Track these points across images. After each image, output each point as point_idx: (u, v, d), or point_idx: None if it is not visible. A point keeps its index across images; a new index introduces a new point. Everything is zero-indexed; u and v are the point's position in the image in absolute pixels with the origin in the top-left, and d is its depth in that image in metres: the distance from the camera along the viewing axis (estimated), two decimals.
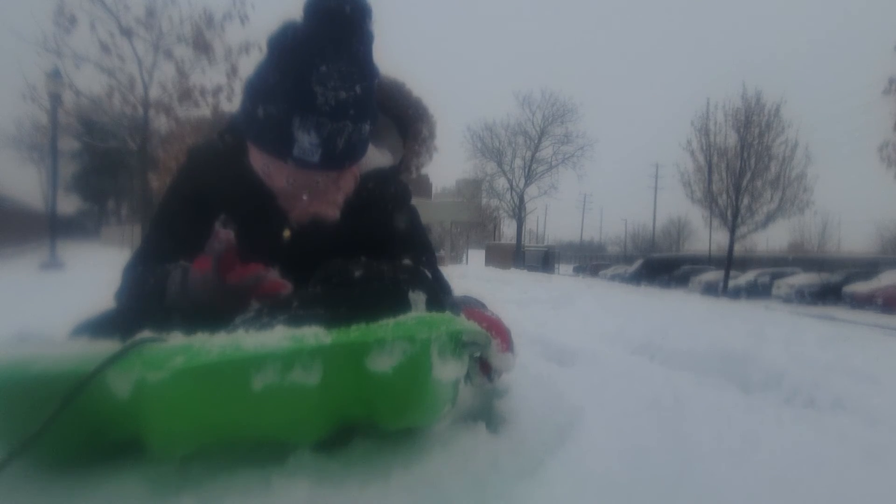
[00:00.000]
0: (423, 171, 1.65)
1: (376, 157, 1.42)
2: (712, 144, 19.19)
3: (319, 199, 1.28)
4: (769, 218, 18.55)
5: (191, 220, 1.31)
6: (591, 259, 62.83)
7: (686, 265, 35.58)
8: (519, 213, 34.18)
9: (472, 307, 1.37)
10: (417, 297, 1.06)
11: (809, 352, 3.34)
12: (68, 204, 35.76)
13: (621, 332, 3.69)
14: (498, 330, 1.23)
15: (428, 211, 34.75)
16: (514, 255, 32.20)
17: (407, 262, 1.22)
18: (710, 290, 26.57)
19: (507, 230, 40.97)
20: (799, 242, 49.24)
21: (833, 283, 23.27)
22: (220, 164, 1.33)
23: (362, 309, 0.98)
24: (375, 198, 1.35)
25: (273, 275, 1.14)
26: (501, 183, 34.78)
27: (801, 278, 25.33)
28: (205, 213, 1.30)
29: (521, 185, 34.20)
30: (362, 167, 1.36)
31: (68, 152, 29.81)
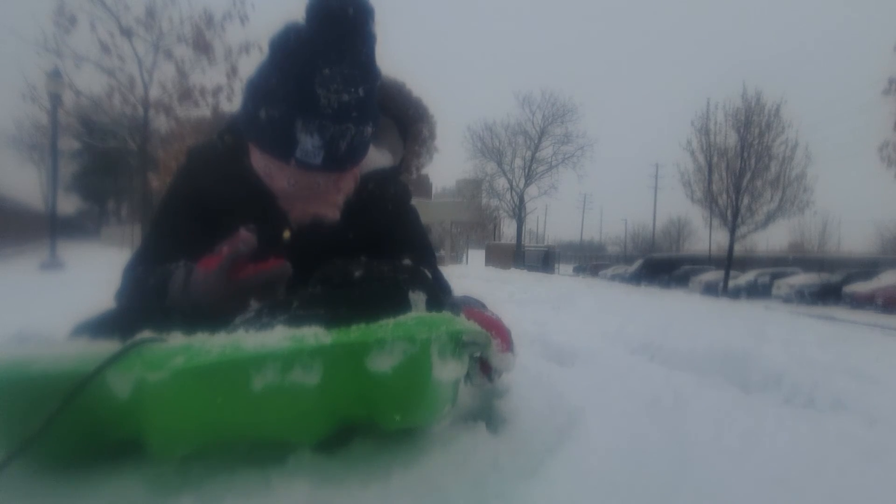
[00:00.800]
0: (424, 171, 1.65)
1: (376, 158, 1.42)
2: (712, 144, 19.15)
3: (320, 200, 1.29)
4: (769, 218, 18.49)
5: (190, 221, 1.32)
6: (591, 259, 62.84)
7: (686, 265, 35.66)
8: (519, 213, 34.14)
9: (471, 307, 1.37)
10: (417, 298, 1.06)
11: (809, 352, 3.33)
12: (68, 204, 35.77)
13: (621, 332, 3.69)
14: (498, 330, 1.23)
15: (428, 211, 34.71)
16: (515, 255, 32.18)
17: (407, 261, 1.22)
18: (710, 290, 26.61)
19: (507, 230, 40.98)
20: (799, 242, 49.21)
21: (833, 283, 23.33)
22: (219, 165, 1.33)
23: (362, 309, 0.98)
24: (376, 198, 1.36)
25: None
26: (501, 183, 34.75)
27: (801, 278, 25.38)
28: (204, 213, 1.30)
29: (521, 185, 34.17)
30: (363, 168, 1.36)
31: (68, 152, 29.81)
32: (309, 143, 1.16)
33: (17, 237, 21.45)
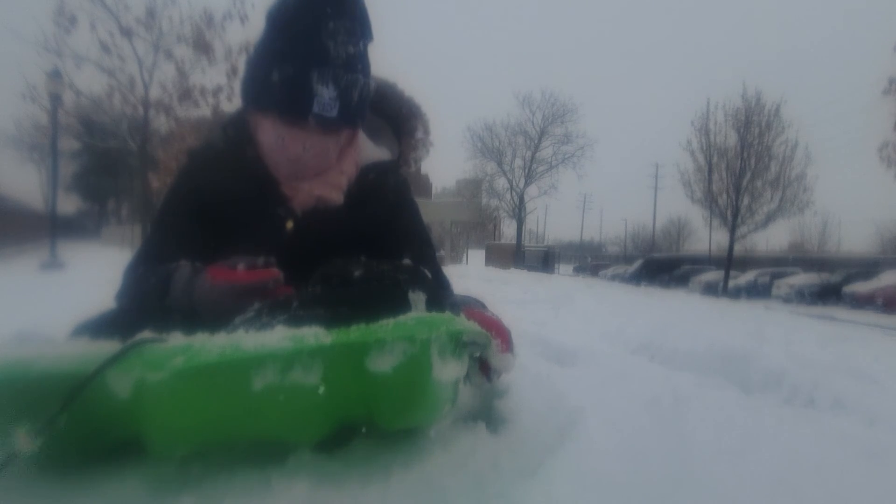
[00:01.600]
0: (422, 165, 1.67)
1: (375, 152, 1.44)
2: (712, 144, 19.11)
3: (324, 181, 1.31)
4: (769, 218, 18.43)
5: (191, 220, 1.33)
6: (591, 259, 62.82)
7: (686, 265, 35.67)
8: (519, 213, 34.08)
9: (471, 307, 1.37)
10: (417, 297, 1.06)
11: (809, 352, 3.33)
12: (69, 204, 35.76)
13: (621, 332, 3.69)
14: (498, 330, 1.23)
15: (428, 211, 34.64)
16: (515, 255, 32.12)
17: (407, 261, 1.22)
18: (710, 290, 26.64)
19: (508, 230, 40.98)
20: (799, 242, 49.12)
21: (833, 283, 23.33)
22: (220, 162, 1.35)
23: (362, 309, 0.98)
24: (376, 189, 1.37)
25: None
26: (501, 183, 34.67)
27: (801, 278, 25.39)
28: (206, 209, 1.31)
29: (521, 185, 34.10)
30: (362, 160, 1.38)
31: (68, 152, 29.80)
32: (326, 95, 1.19)
33: (18, 237, 21.45)
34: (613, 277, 42.51)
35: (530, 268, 29.43)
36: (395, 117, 1.57)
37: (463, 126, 35.76)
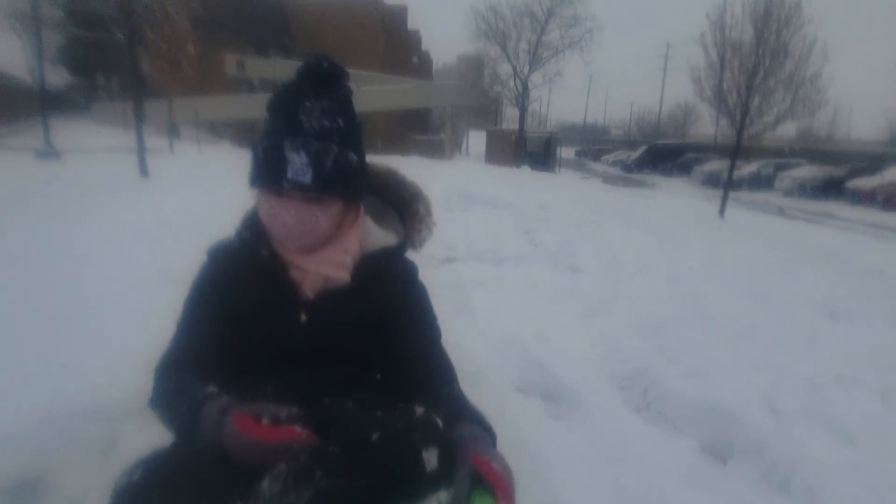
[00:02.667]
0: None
1: (381, 236, 1.51)
2: (727, 39, 18.00)
3: (327, 259, 1.38)
4: (779, 119, 17.76)
5: (214, 320, 1.40)
6: (593, 143, 61.60)
7: (690, 153, 35.37)
8: (522, 101, 32.81)
9: (478, 442, 1.43)
10: (430, 455, 1.15)
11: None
12: (56, 77, 34.13)
13: (609, 357, 3.56)
14: (503, 490, 1.30)
15: (428, 94, 33.44)
16: (516, 147, 31.25)
17: (420, 409, 1.28)
18: (713, 180, 26.65)
19: (510, 112, 39.76)
20: (808, 129, 47.92)
21: (836, 177, 23.33)
22: (236, 261, 1.42)
23: (379, 476, 1.09)
24: (384, 276, 1.45)
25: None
26: (505, 69, 33.00)
27: (805, 171, 25.31)
28: (226, 310, 1.39)
29: (526, 71, 32.52)
30: (369, 245, 1.46)
31: (51, 22, 28.12)
32: (297, 161, 1.27)
33: (9, 114, 20.89)
34: (615, 163, 42.17)
35: (533, 164, 28.85)
36: (397, 201, 1.61)
37: (466, 6, 33.20)
